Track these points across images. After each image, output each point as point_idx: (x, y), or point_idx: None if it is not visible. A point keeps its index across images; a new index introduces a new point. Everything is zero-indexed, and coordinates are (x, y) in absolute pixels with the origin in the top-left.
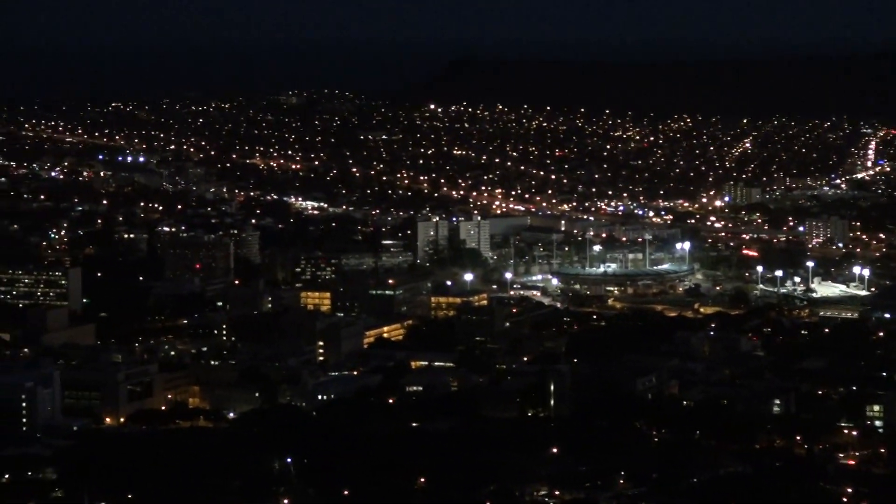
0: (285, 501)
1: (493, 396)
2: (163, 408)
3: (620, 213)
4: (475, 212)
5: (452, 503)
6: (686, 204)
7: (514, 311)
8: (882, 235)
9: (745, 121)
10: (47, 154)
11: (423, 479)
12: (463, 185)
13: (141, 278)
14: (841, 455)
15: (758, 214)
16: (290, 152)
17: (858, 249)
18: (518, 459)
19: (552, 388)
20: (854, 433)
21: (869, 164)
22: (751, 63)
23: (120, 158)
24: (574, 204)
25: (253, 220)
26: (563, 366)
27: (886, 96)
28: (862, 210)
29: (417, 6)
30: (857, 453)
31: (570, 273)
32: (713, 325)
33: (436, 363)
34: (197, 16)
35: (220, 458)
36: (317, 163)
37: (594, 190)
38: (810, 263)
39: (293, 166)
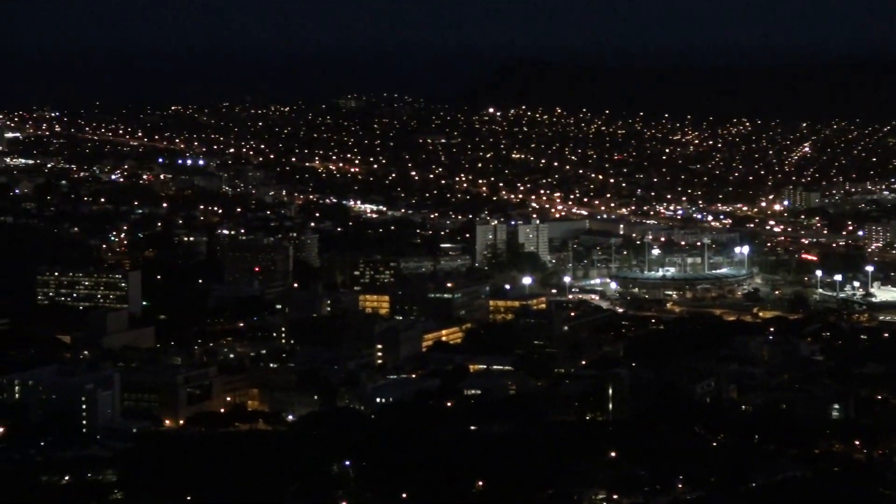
0: None
1: (552, 400)
2: (222, 410)
3: (679, 216)
4: (534, 215)
5: None
6: (745, 208)
7: (573, 314)
8: None
9: (804, 125)
10: (108, 157)
11: (481, 483)
12: (521, 188)
13: (200, 281)
14: None
15: (817, 218)
16: (349, 156)
17: None
18: (576, 463)
19: (610, 392)
20: None
21: None
22: (809, 67)
23: (180, 161)
24: (633, 207)
25: (312, 224)
26: (621, 370)
27: None
28: None
29: (474, 10)
30: None
31: (628, 277)
32: (772, 330)
33: (494, 367)
34: (256, 20)
35: (279, 460)
36: (376, 166)
37: (653, 194)
38: (869, 268)
39: (352, 170)
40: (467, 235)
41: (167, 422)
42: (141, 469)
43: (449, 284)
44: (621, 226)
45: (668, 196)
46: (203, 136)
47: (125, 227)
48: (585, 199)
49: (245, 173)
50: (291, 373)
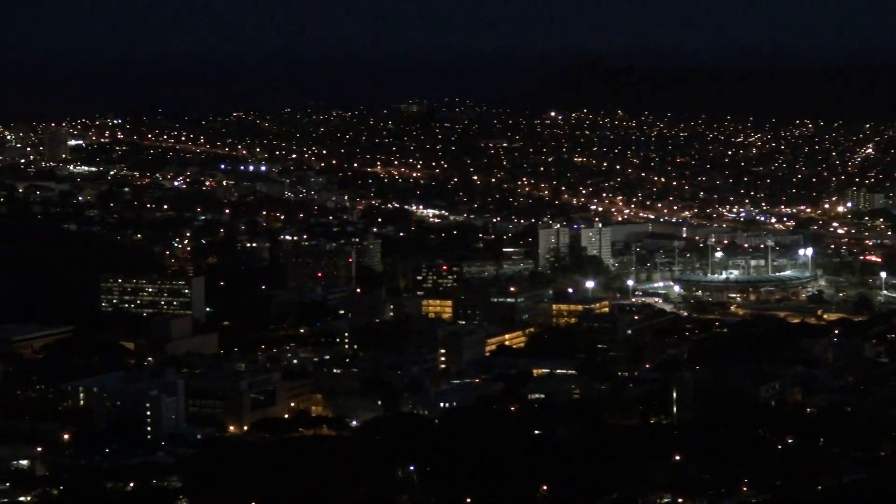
0: None
1: (616, 404)
2: (286, 416)
3: (742, 219)
4: (596, 219)
5: None
6: (808, 210)
7: (636, 318)
8: None
9: (867, 126)
10: (170, 164)
11: (545, 487)
12: (584, 192)
13: (263, 287)
14: None
15: (881, 220)
16: (410, 160)
17: None
18: (640, 467)
19: (674, 395)
20: None
21: None
22: (873, 68)
23: (242, 168)
24: (695, 210)
25: (374, 229)
26: (685, 373)
27: None
28: None
29: (535, 13)
30: None
31: (691, 280)
32: (836, 332)
33: (557, 371)
34: (318, 27)
35: (343, 465)
36: (437, 171)
37: (715, 196)
38: None
39: (414, 174)
40: (530, 239)
41: (231, 428)
42: (205, 475)
43: (512, 289)
44: (684, 229)
45: (731, 198)
46: (265, 142)
47: (188, 234)
48: (648, 203)
49: (307, 179)
50: (355, 378)
